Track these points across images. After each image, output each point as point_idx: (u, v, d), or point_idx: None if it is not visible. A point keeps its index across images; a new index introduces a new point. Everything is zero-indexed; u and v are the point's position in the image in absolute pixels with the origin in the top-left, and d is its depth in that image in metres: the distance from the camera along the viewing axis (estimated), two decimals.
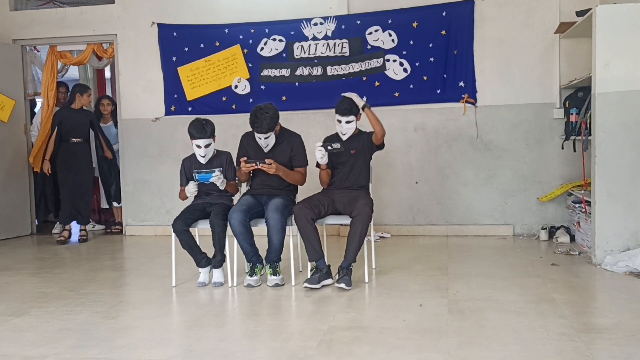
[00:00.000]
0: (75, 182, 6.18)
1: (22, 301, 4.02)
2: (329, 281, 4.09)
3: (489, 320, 3.31)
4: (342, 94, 4.36)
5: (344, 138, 4.30)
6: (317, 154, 4.23)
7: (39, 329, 3.39)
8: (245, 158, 4.20)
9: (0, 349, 3.09)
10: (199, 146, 4.24)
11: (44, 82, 6.77)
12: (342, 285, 3.99)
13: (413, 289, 4.01)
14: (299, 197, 4.45)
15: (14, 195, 6.60)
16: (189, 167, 4.37)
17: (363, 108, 4.28)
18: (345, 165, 4.35)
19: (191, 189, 4.25)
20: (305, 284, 4.00)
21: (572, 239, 5.38)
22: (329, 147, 4.21)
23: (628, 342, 2.91)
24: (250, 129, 4.29)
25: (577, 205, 5.19)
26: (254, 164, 4.14)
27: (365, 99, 4.23)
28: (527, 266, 4.56)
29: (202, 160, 4.29)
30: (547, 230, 5.57)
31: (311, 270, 4.15)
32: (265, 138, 4.21)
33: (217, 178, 4.21)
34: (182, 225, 4.14)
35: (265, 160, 4.13)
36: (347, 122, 4.27)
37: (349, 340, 3.08)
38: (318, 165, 4.34)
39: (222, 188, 4.27)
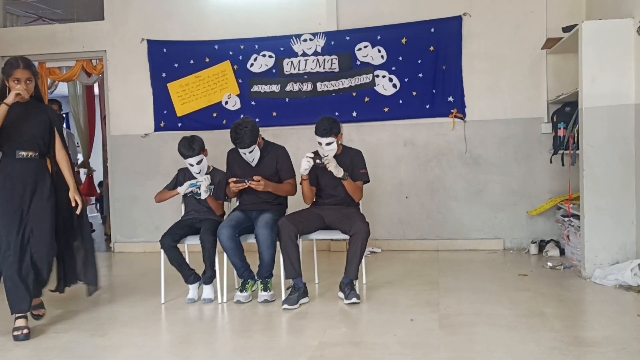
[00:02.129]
0: None
1: (9, 320, 3.96)
2: (306, 300, 4.08)
3: (479, 334, 3.30)
4: (322, 163, 4.16)
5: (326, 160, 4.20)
6: (303, 163, 4.19)
7: (25, 348, 3.34)
8: (235, 179, 4.18)
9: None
10: (191, 164, 4.25)
11: None
12: (354, 300, 3.98)
13: (404, 303, 4.00)
14: (290, 211, 4.43)
15: None
16: (182, 179, 4.37)
17: (343, 178, 4.18)
18: (333, 181, 4.31)
19: (184, 189, 4.24)
20: (284, 305, 3.95)
21: (562, 252, 5.39)
22: (317, 161, 4.17)
23: (618, 356, 2.91)
24: (234, 146, 4.29)
25: (566, 219, 5.21)
26: (243, 183, 4.13)
27: (343, 173, 4.16)
28: (517, 280, 4.56)
29: (198, 177, 4.28)
30: (537, 244, 5.58)
31: (287, 289, 4.13)
32: (249, 152, 4.20)
33: (207, 179, 4.20)
34: (170, 241, 4.11)
35: (254, 177, 4.13)
36: (327, 143, 4.20)
37: (340, 356, 3.05)
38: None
39: (203, 197, 4.24)
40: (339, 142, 4.30)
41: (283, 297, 4.08)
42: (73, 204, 3.77)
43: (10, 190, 3.58)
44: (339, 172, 4.14)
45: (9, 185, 3.59)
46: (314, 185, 4.37)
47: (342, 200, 4.34)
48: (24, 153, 3.62)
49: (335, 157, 4.23)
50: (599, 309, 3.86)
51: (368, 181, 4.39)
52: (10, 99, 3.47)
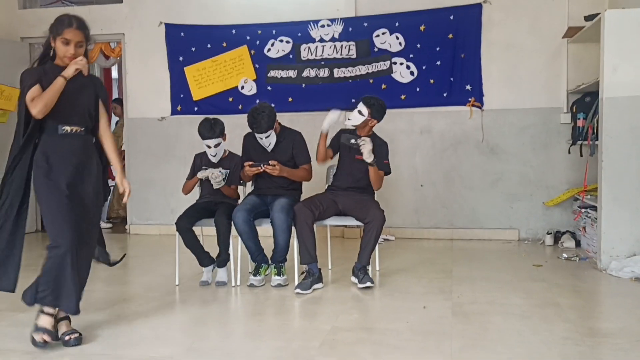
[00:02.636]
0: None
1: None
2: (319, 285, 4.09)
3: (493, 323, 3.29)
4: (357, 144, 4.13)
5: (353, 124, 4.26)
6: (330, 116, 4.23)
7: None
8: (250, 163, 4.19)
9: (3, 344, 3.10)
10: (208, 146, 4.26)
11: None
12: (368, 284, 4.00)
13: (417, 291, 4.00)
14: (304, 196, 4.43)
15: None
16: (199, 164, 4.39)
17: (371, 164, 4.15)
18: (351, 164, 4.31)
19: (202, 174, 4.26)
20: (297, 290, 3.96)
21: (578, 244, 5.35)
22: (352, 141, 4.13)
23: (633, 347, 2.88)
24: (251, 130, 4.30)
25: (583, 210, 5.16)
26: (258, 168, 4.14)
27: (373, 159, 4.14)
28: (532, 270, 4.53)
29: (214, 160, 4.31)
30: (552, 235, 5.54)
31: (301, 274, 4.14)
32: (266, 137, 4.20)
33: (218, 176, 4.21)
34: (186, 223, 4.14)
35: (269, 162, 4.13)
36: (359, 111, 4.23)
37: (352, 341, 3.06)
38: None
39: (215, 187, 4.27)
40: (370, 125, 4.28)
41: (296, 282, 4.10)
42: (121, 191, 3.28)
43: (52, 172, 3.01)
44: (370, 156, 4.11)
45: (54, 163, 3.03)
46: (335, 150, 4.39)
47: (357, 185, 4.32)
48: (68, 128, 3.06)
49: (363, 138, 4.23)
50: (614, 300, 3.83)
51: (389, 173, 4.38)
52: (69, 71, 2.95)
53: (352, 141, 4.14)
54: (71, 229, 2.95)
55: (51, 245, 2.96)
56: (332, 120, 4.24)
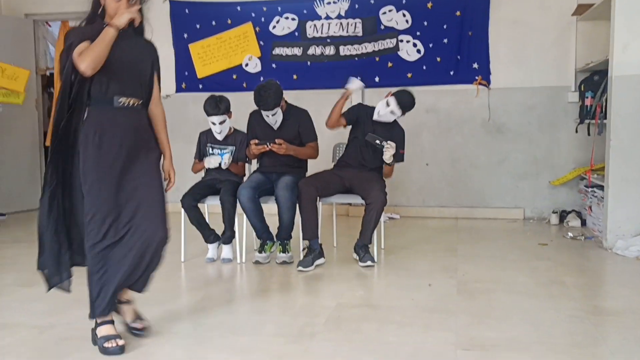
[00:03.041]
0: None
1: (33, 272, 4.01)
2: (321, 261, 4.10)
3: (498, 301, 3.29)
4: (380, 145, 4.13)
5: (379, 116, 4.27)
6: (357, 83, 4.32)
7: (49, 300, 3.39)
8: (256, 141, 4.17)
9: (11, 318, 3.12)
10: (213, 123, 4.24)
11: (56, 57, 6.77)
12: (368, 262, 4.00)
13: (422, 269, 4.00)
14: (309, 174, 4.42)
15: (25, 168, 6.63)
16: (204, 141, 4.38)
17: (389, 164, 4.19)
18: (367, 149, 4.29)
19: (211, 160, 4.27)
20: (299, 267, 3.97)
21: (583, 223, 5.33)
22: (377, 141, 4.14)
23: (637, 325, 2.88)
24: (257, 108, 4.27)
25: (589, 190, 5.14)
26: (264, 145, 4.12)
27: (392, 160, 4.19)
28: (537, 249, 4.53)
29: (219, 137, 4.30)
30: (558, 214, 5.53)
31: (303, 250, 4.16)
32: (272, 115, 4.17)
33: (225, 158, 4.22)
34: (191, 201, 4.14)
35: (275, 140, 4.11)
36: (391, 109, 4.23)
37: (357, 317, 3.07)
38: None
39: (223, 168, 4.27)
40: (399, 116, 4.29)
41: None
42: (166, 178, 2.87)
43: (103, 149, 2.57)
44: (390, 159, 4.15)
45: (104, 141, 2.58)
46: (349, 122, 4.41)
47: (366, 165, 4.33)
48: (124, 100, 2.63)
49: (387, 123, 4.28)
50: (619, 279, 3.83)
51: (403, 161, 4.40)
52: (122, 20, 2.48)
53: (377, 142, 4.15)
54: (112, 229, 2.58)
55: (89, 243, 2.59)
56: (358, 87, 4.33)
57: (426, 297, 3.38)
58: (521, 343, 2.67)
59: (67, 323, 3.01)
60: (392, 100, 4.21)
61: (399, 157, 4.31)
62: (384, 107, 4.23)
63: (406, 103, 4.22)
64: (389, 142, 4.13)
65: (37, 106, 6.74)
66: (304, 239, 4.13)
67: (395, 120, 4.34)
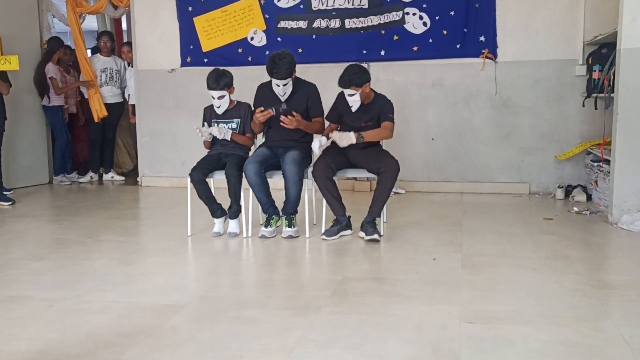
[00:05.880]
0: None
1: (42, 246, 4.10)
2: (348, 232, 4.18)
3: (502, 275, 3.32)
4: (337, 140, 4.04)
5: (353, 110, 4.16)
6: (321, 140, 4.15)
7: (58, 273, 3.46)
8: (261, 108, 4.16)
9: (21, 291, 3.17)
10: (213, 97, 4.24)
11: (73, 34, 6.77)
12: (375, 236, 4.00)
13: (427, 243, 4.02)
14: None
15: (32, 144, 6.65)
16: (209, 116, 4.38)
17: (359, 141, 4.04)
18: (359, 122, 4.22)
19: (205, 132, 4.24)
20: (323, 236, 4.07)
21: (589, 198, 5.33)
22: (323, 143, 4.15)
23: None
24: (266, 81, 4.25)
25: (595, 164, 5.12)
26: (270, 111, 4.13)
27: (357, 136, 4.03)
28: (542, 224, 4.54)
29: (218, 111, 4.30)
30: (563, 189, 5.52)
31: (333, 220, 4.19)
32: (284, 85, 4.16)
33: (224, 129, 4.24)
34: (200, 175, 4.16)
35: (292, 112, 4.09)
36: (349, 95, 4.10)
37: (363, 290, 3.10)
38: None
39: (224, 137, 4.26)
40: (368, 90, 4.17)
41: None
42: None
43: None
44: (349, 140, 4.01)
45: None
46: (338, 122, 4.35)
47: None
48: None
49: (363, 105, 4.16)
50: (624, 253, 3.84)
51: (390, 121, 4.29)
52: None
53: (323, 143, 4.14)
54: None
55: None
56: (322, 144, 4.16)
57: (431, 271, 3.40)
58: (525, 316, 2.70)
59: (77, 296, 3.05)
60: (345, 91, 4.11)
61: (390, 119, 4.17)
62: (350, 101, 4.13)
63: (344, 77, 4.08)
64: (333, 137, 4.04)
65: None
66: (336, 215, 4.17)
67: (379, 94, 4.27)
